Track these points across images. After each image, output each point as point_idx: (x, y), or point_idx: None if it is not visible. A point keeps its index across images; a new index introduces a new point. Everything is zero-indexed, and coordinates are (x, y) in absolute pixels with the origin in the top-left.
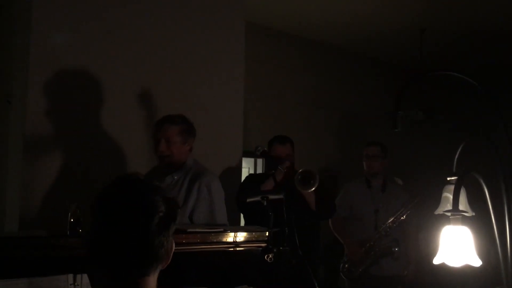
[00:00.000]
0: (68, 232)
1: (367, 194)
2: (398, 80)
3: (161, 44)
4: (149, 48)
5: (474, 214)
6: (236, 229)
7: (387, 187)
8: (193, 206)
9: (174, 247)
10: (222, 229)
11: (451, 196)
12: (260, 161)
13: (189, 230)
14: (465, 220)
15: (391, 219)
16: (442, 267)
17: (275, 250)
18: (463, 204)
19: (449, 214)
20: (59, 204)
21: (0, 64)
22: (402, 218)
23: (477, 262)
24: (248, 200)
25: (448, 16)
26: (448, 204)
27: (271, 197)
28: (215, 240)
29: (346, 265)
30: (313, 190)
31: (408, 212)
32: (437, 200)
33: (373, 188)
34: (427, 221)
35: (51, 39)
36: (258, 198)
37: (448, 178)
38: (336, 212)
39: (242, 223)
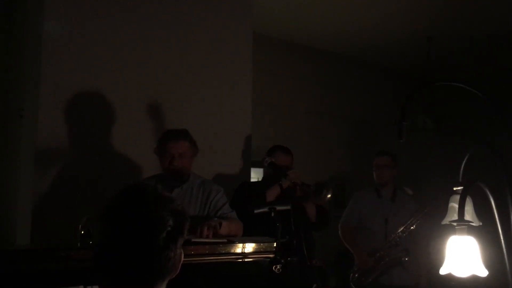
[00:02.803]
0: (79, 244)
1: (376, 204)
2: (407, 88)
3: (169, 55)
4: (157, 60)
5: (481, 223)
6: (244, 240)
7: (396, 197)
8: (216, 203)
9: (182, 259)
10: (230, 240)
11: (457, 206)
12: None
13: (196, 241)
14: (471, 230)
15: (401, 229)
16: (453, 276)
17: (283, 261)
18: (469, 214)
19: (454, 224)
20: (70, 216)
21: (12, 78)
22: (412, 227)
23: (483, 272)
24: (255, 211)
25: (454, 24)
26: (455, 214)
27: (279, 208)
28: (223, 251)
29: (356, 275)
30: (316, 202)
31: (418, 221)
32: (447, 209)
33: (383, 198)
34: (438, 231)
35: (61, 53)
36: (265, 209)
37: (454, 188)
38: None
39: None
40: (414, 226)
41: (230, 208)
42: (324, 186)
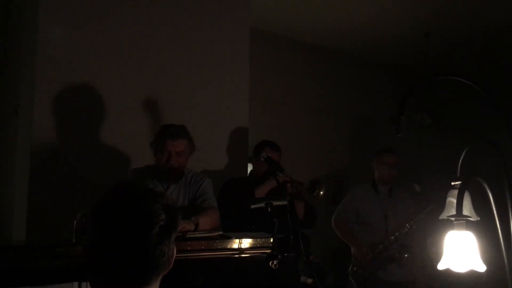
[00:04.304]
0: (73, 240)
1: (375, 200)
2: (405, 84)
3: (165, 52)
4: (153, 57)
5: (479, 218)
6: (241, 235)
7: (393, 192)
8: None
9: (175, 254)
10: (227, 236)
11: (455, 201)
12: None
13: (193, 236)
14: (469, 225)
15: (404, 225)
16: (451, 271)
17: (279, 256)
18: (467, 209)
19: (452, 219)
20: (66, 212)
21: (8, 75)
22: (412, 222)
23: (481, 267)
24: (252, 206)
25: (451, 20)
26: (452, 209)
27: (275, 203)
28: (220, 247)
29: (355, 268)
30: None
31: (421, 217)
32: (444, 204)
33: (381, 193)
34: (434, 226)
35: (57, 50)
36: (262, 205)
37: (452, 183)
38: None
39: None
40: (413, 221)
41: (214, 199)
42: (317, 183)
